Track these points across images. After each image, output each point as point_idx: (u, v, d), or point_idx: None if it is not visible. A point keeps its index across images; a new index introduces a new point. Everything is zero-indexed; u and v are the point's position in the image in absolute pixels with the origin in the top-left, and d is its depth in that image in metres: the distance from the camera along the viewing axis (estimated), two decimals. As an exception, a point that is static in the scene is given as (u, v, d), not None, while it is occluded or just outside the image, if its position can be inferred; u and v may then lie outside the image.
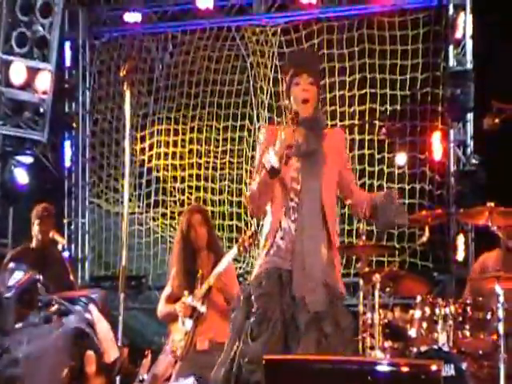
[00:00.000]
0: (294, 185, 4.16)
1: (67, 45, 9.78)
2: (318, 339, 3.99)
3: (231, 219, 9.20)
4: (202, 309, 5.78)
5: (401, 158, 8.38)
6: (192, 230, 5.98)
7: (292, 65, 4.26)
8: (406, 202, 8.49)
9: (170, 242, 9.19)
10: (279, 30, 9.25)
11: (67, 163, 9.82)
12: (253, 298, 4.09)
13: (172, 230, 9.24)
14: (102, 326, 6.23)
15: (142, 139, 9.63)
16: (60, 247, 7.29)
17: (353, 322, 4.23)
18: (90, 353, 4.49)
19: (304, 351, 3.92)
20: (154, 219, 9.48)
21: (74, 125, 9.81)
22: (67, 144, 9.81)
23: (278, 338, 4.00)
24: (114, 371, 5.75)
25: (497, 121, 5.64)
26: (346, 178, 4.27)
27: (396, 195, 4.14)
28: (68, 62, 9.80)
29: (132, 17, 9.61)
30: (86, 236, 9.83)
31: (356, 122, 8.83)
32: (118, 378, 4.08)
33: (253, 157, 9.22)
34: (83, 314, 4.84)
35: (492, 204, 6.14)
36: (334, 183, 4.21)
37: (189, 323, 5.81)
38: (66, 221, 9.68)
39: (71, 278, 6.99)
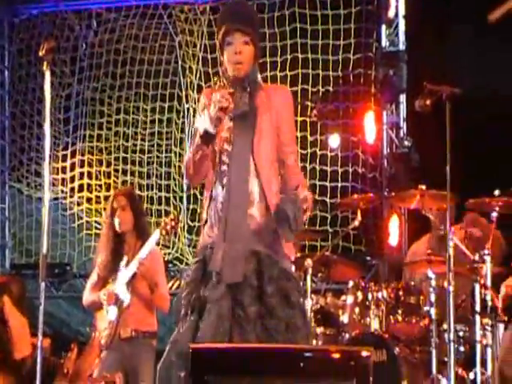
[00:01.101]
0: (226, 146, 3.91)
1: (-16, 23, 9.62)
2: (233, 310, 3.72)
3: (160, 204, 9.13)
4: (126, 296, 5.75)
5: (334, 141, 8.42)
6: (116, 215, 5.93)
7: (224, 22, 3.96)
8: (339, 185, 8.57)
9: (95, 228, 9.10)
10: (208, 8, 9.20)
11: (-15, 146, 9.67)
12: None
13: (98, 215, 9.15)
14: (16, 321, 6.14)
15: (66, 121, 9.49)
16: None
17: (293, 291, 3.84)
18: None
19: (214, 324, 3.68)
20: (78, 204, 9.37)
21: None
22: (-15, 126, 9.67)
23: (196, 328, 3.74)
24: (23, 369, 5.69)
25: (428, 102, 5.71)
26: (281, 142, 3.93)
27: (296, 203, 3.73)
28: (-15, 41, 9.64)
29: (54, -8, 9.46)
30: (6, 222, 9.65)
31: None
32: (39, 371, 4.00)
33: (181, 139, 9.18)
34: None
35: (423, 187, 6.25)
36: (272, 144, 3.90)
37: (113, 311, 5.77)
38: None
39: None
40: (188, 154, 3.92)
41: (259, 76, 4.02)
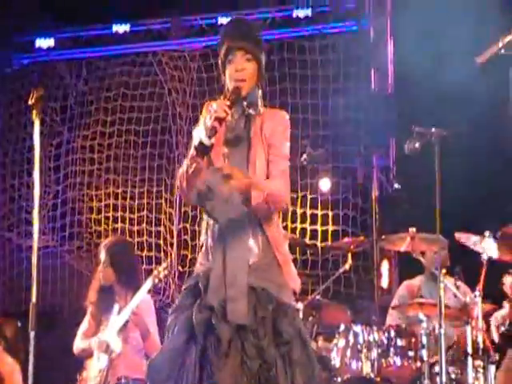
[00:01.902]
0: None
1: (-25, 74, 9.76)
2: (241, 364, 3.57)
3: (150, 250, 9.19)
4: (117, 344, 5.77)
5: (324, 184, 8.52)
6: (99, 268, 5.98)
7: (225, 40, 3.85)
8: (330, 228, 8.65)
9: (86, 276, 9.13)
10: (198, 55, 9.34)
11: (-25, 196, 9.74)
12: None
13: (89, 263, 9.18)
14: (7, 367, 6.13)
15: (56, 169, 9.57)
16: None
17: (288, 326, 3.67)
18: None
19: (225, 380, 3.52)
20: (69, 252, 9.41)
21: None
22: (-25, 175, 9.74)
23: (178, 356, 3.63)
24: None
25: (417, 145, 5.77)
26: (269, 168, 3.78)
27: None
28: (-24, 91, 9.77)
29: (44, 42, 9.60)
30: (-4, 272, 9.73)
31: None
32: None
33: (172, 185, 9.26)
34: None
35: (414, 230, 6.31)
36: (266, 169, 3.76)
37: (104, 359, 5.80)
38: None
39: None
40: (182, 168, 3.80)
41: (260, 101, 3.88)
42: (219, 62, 3.90)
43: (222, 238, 3.73)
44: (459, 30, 8.00)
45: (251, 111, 3.83)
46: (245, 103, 3.83)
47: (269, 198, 3.70)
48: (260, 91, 3.89)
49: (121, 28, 9.42)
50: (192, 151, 3.72)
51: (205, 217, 3.85)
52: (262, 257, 3.73)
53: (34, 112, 4.27)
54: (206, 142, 3.66)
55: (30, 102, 4.28)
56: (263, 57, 3.88)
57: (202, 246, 3.83)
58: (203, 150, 3.68)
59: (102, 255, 5.98)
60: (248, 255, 3.70)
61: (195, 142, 3.69)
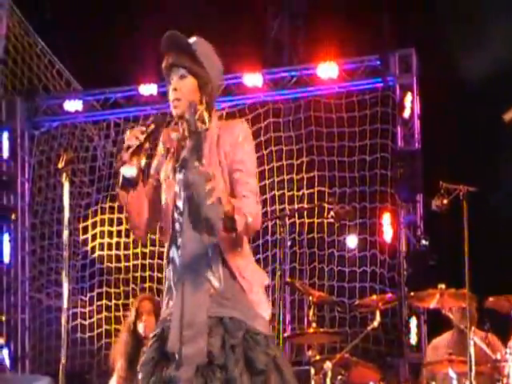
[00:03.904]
0: (178, 201, 3.54)
1: (5, 135, 9.92)
2: None
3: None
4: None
5: (351, 241, 8.59)
6: (140, 319, 6.03)
7: (163, 61, 3.61)
8: (357, 285, 8.70)
9: (115, 335, 9.21)
10: (224, 114, 9.49)
11: (6, 258, 9.82)
12: None
13: (117, 323, 9.26)
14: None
15: (85, 230, 9.72)
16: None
17: (261, 355, 3.47)
18: None
19: None
20: (97, 312, 9.49)
21: (13, 217, 9.87)
22: (6, 238, 9.84)
23: None
24: None
25: (445, 201, 5.81)
26: (237, 188, 3.50)
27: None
28: (6, 153, 9.92)
29: (73, 105, 9.81)
30: (26, 333, 9.81)
31: (305, 205, 9.03)
32: None
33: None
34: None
35: (443, 286, 6.33)
36: (226, 193, 3.42)
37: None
38: (4, 318, 9.65)
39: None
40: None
41: (207, 116, 3.54)
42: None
43: (182, 273, 3.50)
44: (484, 84, 8.13)
45: (199, 129, 3.49)
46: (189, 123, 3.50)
47: (249, 225, 3.44)
48: (204, 106, 3.56)
49: (148, 89, 9.60)
50: (118, 188, 3.57)
51: (166, 244, 3.62)
52: (224, 287, 3.50)
53: (64, 175, 4.38)
54: (127, 173, 3.50)
55: (59, 166, 4.38)
56: (207, 67, 3.56)
57: (166, 287, 3.61)
58: (128, 183, 3.52)
59: (145, 306, 6.03)
60: (208, 288, 3.48)
61: (120, 179, 3.54)
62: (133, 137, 3.48)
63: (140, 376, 3.59)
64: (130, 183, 3.52)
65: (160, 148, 3.67)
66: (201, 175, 3.32)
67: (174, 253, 3.56)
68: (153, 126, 3.54)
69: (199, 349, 3.40)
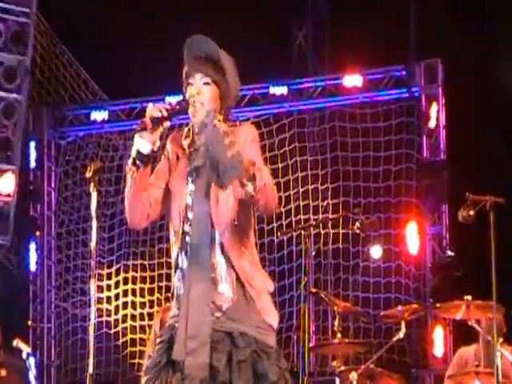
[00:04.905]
0: (189, 213, 3.57)
1: (32, 145, 10.00)
2: None
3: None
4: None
5: (376, 251, 8.58)
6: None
7: (185, 62, 3.66)
8: (382, 296, 8.68)
9: (140, 345, 9.24)
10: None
11: (32, 267, 9.89)
12: None
13: (142, 332, 9.30)
14: None
15: (110, 239, 9.76)
16: (25, 355, 7.34)
17: (272, 367, 3.49)
18: None
19: None
20: (123, 321, 9.54)
21: (39, 227, 9.94)
22: (32, 247, 9.91)
23: None
24: None
25: (472, 213, 5.78)
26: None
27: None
28: (33, 163, 9.99)
29: (99, 115, 9.90)
30: (52, 341, 9.86)
31: (330, 215, 9.03)
32: None
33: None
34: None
35: (469, 297, 6.31)
36: (234, 200, 3.48)
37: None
38: (31, 326, 9.72)
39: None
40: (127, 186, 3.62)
41: (223, 124, 3.55)
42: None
43: (189, 283, 3.51)
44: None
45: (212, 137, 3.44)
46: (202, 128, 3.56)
47: (267, 188, 3.39)
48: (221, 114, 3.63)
49: (173, 99, 9.64)
50: (129, 163, 3.56)
51: (173, 253, 3.62)
52: (233, 298, 3.51)
53: (92, 184, 4.45)
54: (142, 148, 3.51)
55: (87, 175, 4.45)
56: (229, 78, 3.64)
57: (173, 292, 3.62)
58: (141, 158, 3.51)
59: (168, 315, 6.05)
60: (216, 297, 3.50)
61: (132, 152, 3.54)
62: (156, 109, 3.52)
63: (144, 379, 3.60)
64: (142, 159, 3.52)
65: (168, 150, 3.71)
66: (219, 132, 3.32)
67: (182, 261, 3.58)
68: (178, 107, 3.59)
69: (202, 363, 3.43)
